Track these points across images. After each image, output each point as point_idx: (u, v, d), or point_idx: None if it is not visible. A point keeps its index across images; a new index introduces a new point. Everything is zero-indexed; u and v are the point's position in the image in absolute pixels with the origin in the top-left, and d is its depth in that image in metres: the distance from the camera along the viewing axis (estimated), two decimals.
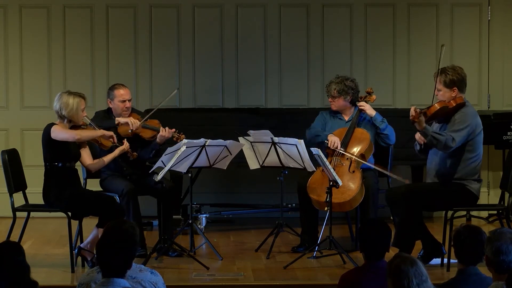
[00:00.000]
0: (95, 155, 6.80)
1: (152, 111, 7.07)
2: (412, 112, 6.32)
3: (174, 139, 6.89)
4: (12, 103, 8.97)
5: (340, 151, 6.97)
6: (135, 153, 6.82)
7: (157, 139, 7.02)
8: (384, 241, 4.54)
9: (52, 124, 6.47)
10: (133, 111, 7.19)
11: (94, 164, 6.67)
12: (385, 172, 7.00)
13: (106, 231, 4.04)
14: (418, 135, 6.54)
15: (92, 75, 8.95)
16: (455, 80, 6.50)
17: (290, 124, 8.03)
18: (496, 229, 4.19)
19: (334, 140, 7.01)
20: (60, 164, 6.45)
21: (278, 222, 7.09)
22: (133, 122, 6.96)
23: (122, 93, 7.09)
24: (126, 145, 6.76)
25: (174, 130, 6.99)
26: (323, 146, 6.97)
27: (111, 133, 6.69)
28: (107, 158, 6.70)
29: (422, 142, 6.55)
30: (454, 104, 6.48)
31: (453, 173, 6.48)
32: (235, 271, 6.47)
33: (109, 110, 7.18)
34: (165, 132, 6.96)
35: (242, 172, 8.38)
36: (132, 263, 3.99)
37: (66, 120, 6.47)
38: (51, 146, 6.43)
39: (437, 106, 6.47)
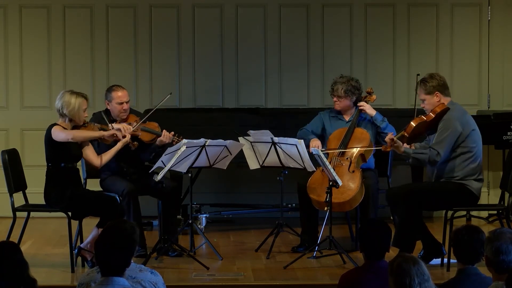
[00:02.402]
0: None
1: (145, 117, 6.99)
2: (387, 140, 6.40)
3: (174, 143, 6.86)
4: (12, 103, 8.96)
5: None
6: (135, 143, 6.80)
7: (157, 142, 7.01)
8: (384, 241, 4.54)
9: (54, 124, 6.47)
10: (132, 112, 7.16)
11: (99, 160, 6.65)
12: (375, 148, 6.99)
13: (105, 230, 4.05)
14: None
15: (92, 75, 8.95)
16: (435, 85, 6.57)
17: (290, 124, 8.02)
18: (496, 229, 4.19)
19: (314, 145, 7.01)
20: (62, 164, 6.45)
21: (278, 222, 7.09)
22: (125, 128, 6.79)
23: (119, 95, 7.05)
24: (127, 137, 6.74)
25: (173, 133, 6.96)
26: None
27: (112, 132, 6.67)
28: (110, 153, 6.68)
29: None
30: (434, 115, 6.50)
31: (453, 173, 6.49)
32: (235, 271, 6.47)
33: (107, 111, 7.17)
34: (164, 138, 6.93)
35: (242, 172, 8.37)
36: (131, 262, 3.99)
37: (67, 119, 6.48)
38: (52, 147, 6.44)
39: (413, 124, 6.51)
